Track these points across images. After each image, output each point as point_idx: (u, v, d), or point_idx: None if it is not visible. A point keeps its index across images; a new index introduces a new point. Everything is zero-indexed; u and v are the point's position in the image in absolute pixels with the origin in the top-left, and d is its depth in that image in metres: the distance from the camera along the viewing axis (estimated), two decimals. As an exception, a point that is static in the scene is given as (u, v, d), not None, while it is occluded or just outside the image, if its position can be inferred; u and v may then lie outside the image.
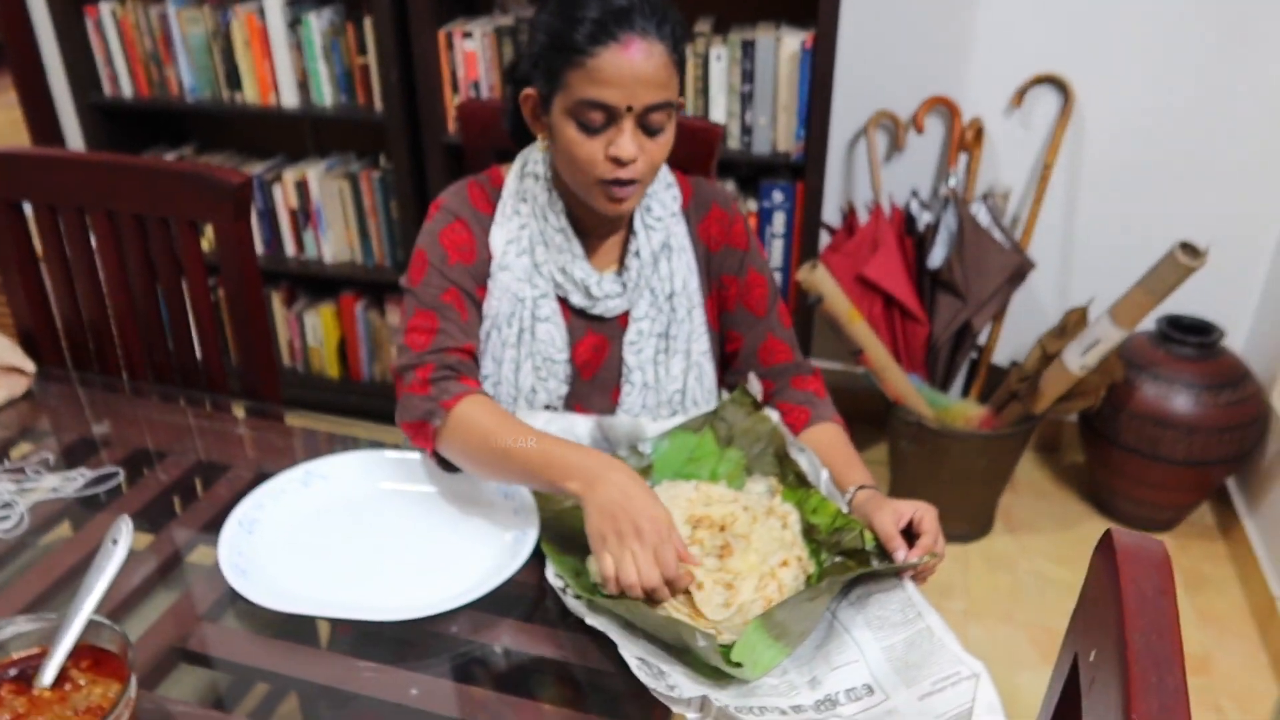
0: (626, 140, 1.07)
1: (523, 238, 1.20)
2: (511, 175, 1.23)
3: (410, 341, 1.14)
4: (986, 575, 2.17)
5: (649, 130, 1.09)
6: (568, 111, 1.08)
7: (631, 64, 1.03)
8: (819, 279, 1.98)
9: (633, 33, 1.03)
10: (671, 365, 1.25)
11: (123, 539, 0.88)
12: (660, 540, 0.92)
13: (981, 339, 2.32)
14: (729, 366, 1.32)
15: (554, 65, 1.07)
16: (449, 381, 1.11)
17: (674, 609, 0.93)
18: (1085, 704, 0.57)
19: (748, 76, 2.07)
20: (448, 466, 1.13)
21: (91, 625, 0.83)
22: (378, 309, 2.59)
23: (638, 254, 1.22)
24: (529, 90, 1.13)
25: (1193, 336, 2.16)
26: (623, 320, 1.25)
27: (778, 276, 2.22)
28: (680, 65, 1.10)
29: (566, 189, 1.19)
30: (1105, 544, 0.60)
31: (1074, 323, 2.08)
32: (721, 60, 2.06)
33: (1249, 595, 2.08)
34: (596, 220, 1.21)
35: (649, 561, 0.91)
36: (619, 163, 1.08)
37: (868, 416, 2.42)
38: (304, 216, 2.50)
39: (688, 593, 0.94)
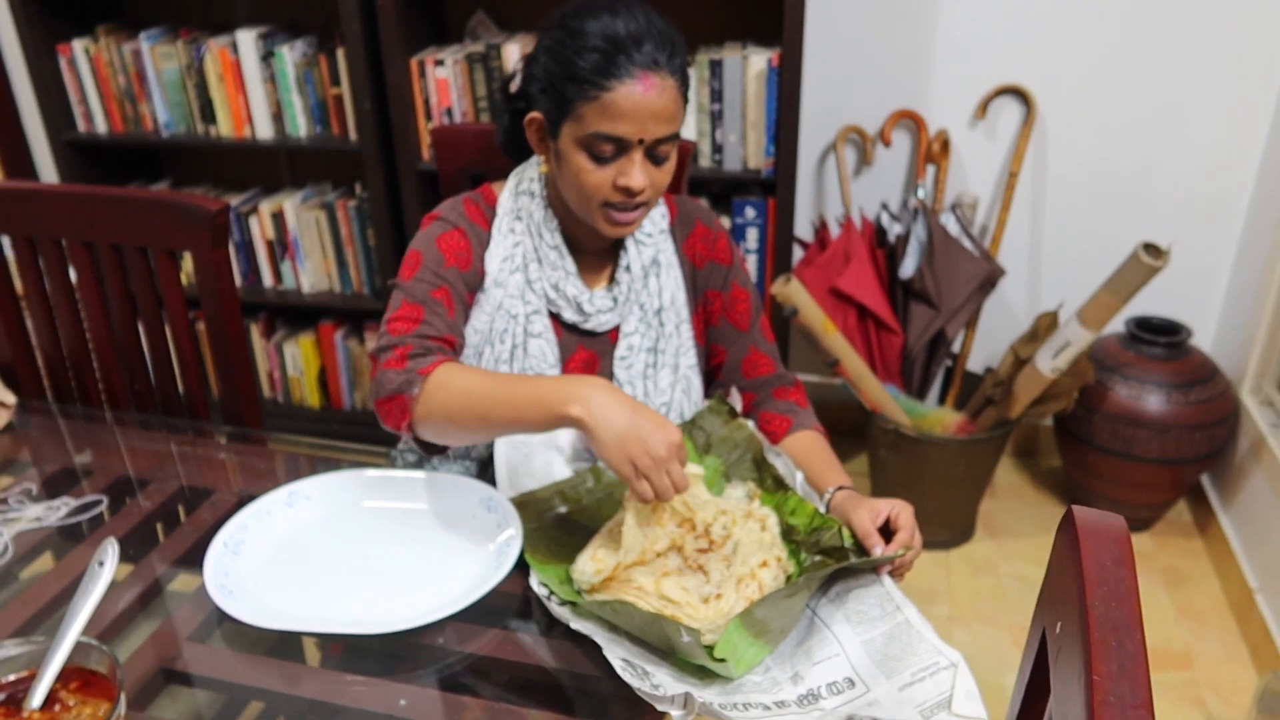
0: (637, 171, 1.09)
1: (516, 255, 1.22)
2: (506, 193, 1.24)
3: (391, 329, 1.12)
4: (969, 580, 2.19)
5: (656, 160, 1.12)
6: (578, 141, 1.09)
7: (645, 99, 1.06)
8: (793, 292, 2.01)
9: (646, 68, 1.06)
10: (660, 379, 1.27)
11: (109, 560, 0.89)
12: (676, 454, 0.98)
13: (955, 346, 2.35)
14: (713, 379, 1.35)
15: (565, 95, 1.08)
16: (426, 356, 1.09)
17: (658, 609, 0.94)
18: (1053, 674, 0.59)
19: (716, 95, 2.10)
20: (427, 448, 1.12)
21: (79, 647, 0.83)
22: (357, 337, 2.60)
23: (628, 269, 1.24)
24: (534, 114, 1.15)
25: (1161, 337, 2.20)
26: (613, 336, 1.27)
27: (753, 291, 2.25)
28: (685, 96, 1.13)
29: (563, 208, 1.21)
30: (1067, 521, 0.63)
31: (1045, 327, 2.12)
32: (690, 80, 2.10)
33: (1227, 589, 2.11)
34: (591, 239, 1.23)
35: (681, 475, 0.98)
36: (629, 192, 1.11)
37: (846, 427, 2.44)
38: (281, 247, 2.51)
39: (671, 599, 0.95)
